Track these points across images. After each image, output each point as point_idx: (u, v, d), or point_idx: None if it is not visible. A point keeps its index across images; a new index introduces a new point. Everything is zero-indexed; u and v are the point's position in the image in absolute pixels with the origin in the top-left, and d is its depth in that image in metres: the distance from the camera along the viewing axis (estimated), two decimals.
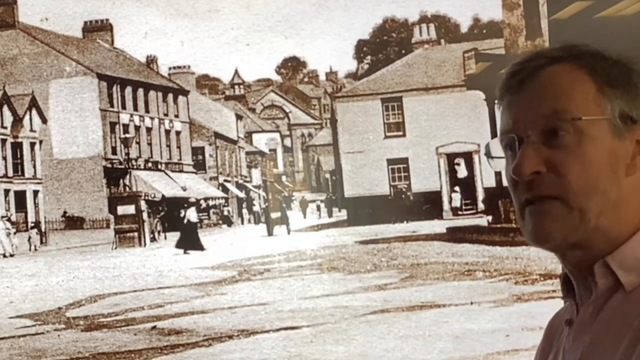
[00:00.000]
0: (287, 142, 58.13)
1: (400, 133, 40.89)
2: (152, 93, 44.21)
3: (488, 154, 1.65)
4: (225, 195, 45.85)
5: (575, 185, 1.52)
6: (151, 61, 46.08)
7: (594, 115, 1.53)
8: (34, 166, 39.78)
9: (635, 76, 1.58)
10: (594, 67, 1.57)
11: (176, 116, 45.53)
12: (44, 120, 40.32)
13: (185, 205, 32.55)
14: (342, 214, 43.53)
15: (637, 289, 1.52)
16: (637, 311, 1.49)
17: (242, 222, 46.78)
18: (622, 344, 1.48)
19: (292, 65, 60.55)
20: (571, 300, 1.62)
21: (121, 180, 41.10)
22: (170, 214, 37.06)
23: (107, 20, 45.25)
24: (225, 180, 46.80)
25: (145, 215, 34.87)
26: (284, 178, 56.40)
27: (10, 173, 38.68)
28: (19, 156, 39.14)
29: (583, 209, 1.52)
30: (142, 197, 35.48)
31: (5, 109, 38.62)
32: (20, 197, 39.03)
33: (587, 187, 1.52)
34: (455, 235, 29.54)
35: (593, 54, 1.59)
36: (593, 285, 1.56)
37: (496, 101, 1.72)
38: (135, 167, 41.86)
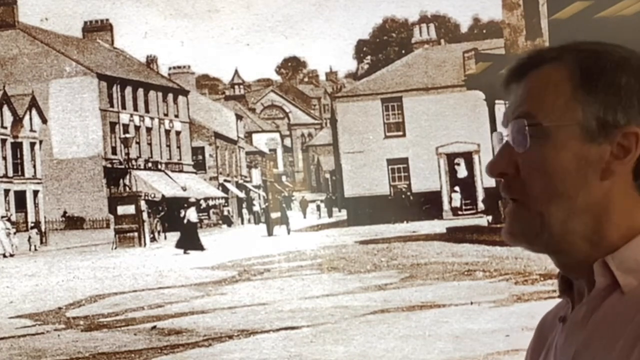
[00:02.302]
0: (287, 142, 58.14)
1: (400, 133, 40.89)
2: (152, 93, 44.21)
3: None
4: (225, 195, 45.85)
5: (535, 190, 1.54)
6: (151, 61, 46.09)
7: (560, 121, 1.52)
8: (34, 166, 39.79)
9: (627, 78, 1.54)
10: (576, 67, 1.55)
11: (176, 116, 45.54)
12: (44, 120, 40.33)
13: (185, 205, 32.55)
14: (342, 214, 43.54)
15: (633, 291, 1.51)
16: (633, 314, 1.48)
17: (242, 222, 46.78)
18: (617, 346, 1.47)
19: (292, 65, 60.54)
20: (567, 297, 1.62)
21: (121, 180, 41.11)
22: (170, 214, 37.07)
23: (107, 20, 45.26)
24: (225, 180, 46.81)
25: (145, 215, 34.87)
26: (284, 178, 56.41)
27: (10, 173, 38.69)
28: (19, 156, 39.14)
29: (542, 214, 1.53)
30: (142, 197, 35.49)
31: (5, 109, 38.63)
32: (20, 197, 39.04)
33: (547, 193, 1.53)
34: (455, 235, 29.55)
35: (586, 54, 1.56)
36: (590, 285, 1.57)
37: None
38: (135, 167, 41.87)
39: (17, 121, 38.96)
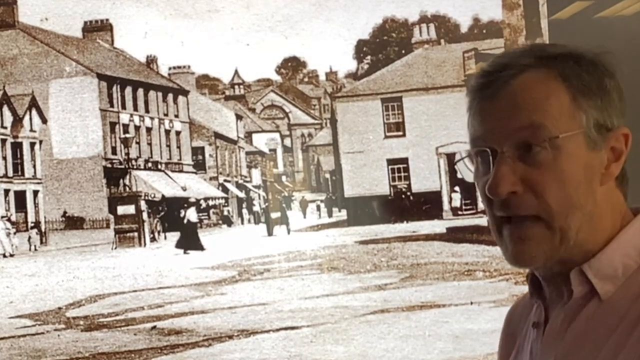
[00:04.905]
0: (287, 142, 58.12)
1: (400, 133, 40.89)
2: (152, 93, 44.20)
3: (460, 161, 1.61)
4: (225, 195, 45.84)
5: (555, 205, 1.48)
6: (151, 61, 46.08)
7: (570, 130, 1.48)
8: (34, 166, 39.78)
9: (608, 80, 1.52)
10: (567, 74, 1.51)
11: (176, 116, 45.53)
12: (44, 120, 40.32)
13: (185, 205, 32.54)
14: (342, 214, 43.52)
15: (612, 298, 1.48)
16: (615, 322, 1.46)
17: (242, 222, 46.76)
18: (600, 355, 1.45)
19: (292, 65, 60.52)
20: (539, 301, 1.60)
21: (121, 180, 41.09)
22: (170, 214, 37.05)
23: (107, 20, 45.24)
24: (225, 180, 46.79)
25: (145, 215, 34.86)
26: (284, 178, 56.40)
27: (10, 173, 38.68)
28: (19, 156, 39.13)
29: (564, 229, 1.48)
30: (142, 197, 35.48)
31: (5, 109, 38.63)
32: (20, 197, 39.03)
33: (566, 206, 1.48)
34: (455, 235, 29.53)
35: (565, 57, 1.53)
36: (566, 292, 1.54)
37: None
38: (135, 167, 41.85)
39: (17, 121, 38.95)
